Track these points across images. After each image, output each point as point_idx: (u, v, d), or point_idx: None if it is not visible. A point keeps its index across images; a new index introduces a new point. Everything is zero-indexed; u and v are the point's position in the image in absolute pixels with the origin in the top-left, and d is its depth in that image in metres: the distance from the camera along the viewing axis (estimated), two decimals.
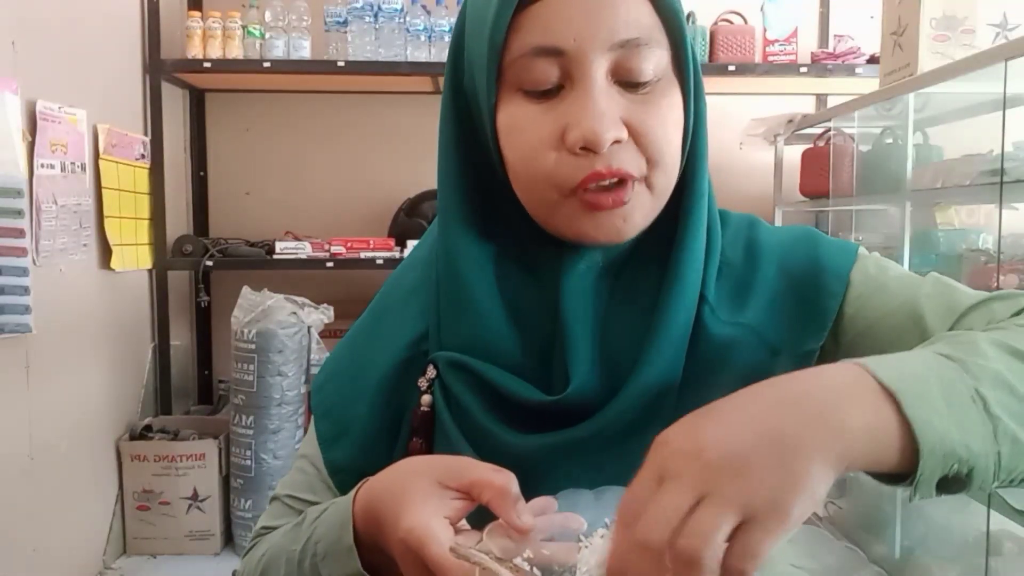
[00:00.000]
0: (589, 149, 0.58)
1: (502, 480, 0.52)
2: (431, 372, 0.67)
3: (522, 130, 0.60)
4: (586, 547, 0.52)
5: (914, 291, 0.64)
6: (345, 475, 0.67)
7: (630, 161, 0.59)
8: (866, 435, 0.46)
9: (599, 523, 0.55)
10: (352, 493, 0.59)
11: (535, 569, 0.50)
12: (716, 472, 0.44)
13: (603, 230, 0.61)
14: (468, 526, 0.55)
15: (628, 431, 0.61)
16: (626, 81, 0.59)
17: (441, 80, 2.74)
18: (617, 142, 0.58)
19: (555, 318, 0.64)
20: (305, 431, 0.83)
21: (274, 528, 0.70)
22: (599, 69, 0.58)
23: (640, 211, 0.61)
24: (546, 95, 0.60)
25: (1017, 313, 0.59)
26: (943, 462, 0.47)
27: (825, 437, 0.45)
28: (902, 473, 0.48)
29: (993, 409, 0.48)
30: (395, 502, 0.54)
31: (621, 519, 0.46)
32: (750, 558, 0.43)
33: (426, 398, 0.66)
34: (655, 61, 0.59)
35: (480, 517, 0.54)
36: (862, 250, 0.70)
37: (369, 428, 0.68)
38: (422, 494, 0.53)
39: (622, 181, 0.59)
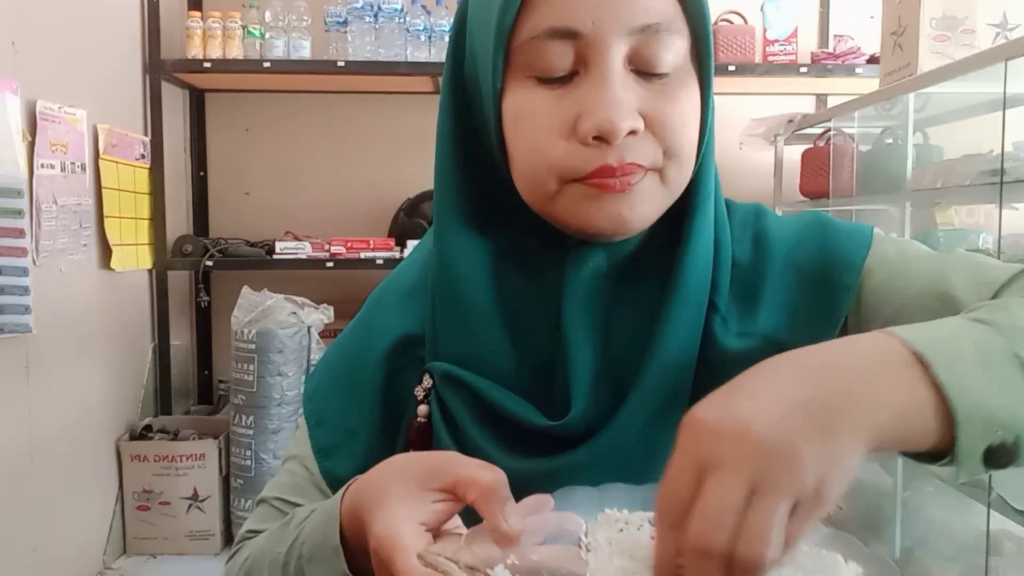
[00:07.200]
0: (603, 139, 0.54)
1: (489, 478, 0.48)
2: (427, 382, 0.64)
3: (531, 117, 0.56)
4: (588, 555, 0.46)
5: (941, 271, 0.59)
6: (345, 484, 0.65)
7: (645, 153, 0.55)
8: (895, 408, 0.42)
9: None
10: (340, 493, 0.56)
11: None
12: (765, 458, 0.39)
13: (607, 217, 0.56)
14: (463, 527, 0.51)
15: (632, 449, 0.58)
16: (644, 70, 0.55)
17: (441, 80, 2.75)
18: (632, 133, 0.54)
19: (555, 327, 0.60)
20: None
21: (260, 532, 0.67)
22: (617, 55, 0.54)
23: (650, 201, 0.57)
24: (558, 81, 0.55)
25: None
26: (984, 430, 0.43)
27: (855, 411, 0.41)
28: (943, 450, 0.44)
29: None
30: (372, 506, 0.50)
31: (664, 519, 0.41)
32: (788, 543, 0.40)
33: (422, 408, 0.63)
34: (675, 50, 0.55)
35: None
36: (877, 232, 0.65)
37: (367, 437, 0.65)
38: (397, 497, 0.49)
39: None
